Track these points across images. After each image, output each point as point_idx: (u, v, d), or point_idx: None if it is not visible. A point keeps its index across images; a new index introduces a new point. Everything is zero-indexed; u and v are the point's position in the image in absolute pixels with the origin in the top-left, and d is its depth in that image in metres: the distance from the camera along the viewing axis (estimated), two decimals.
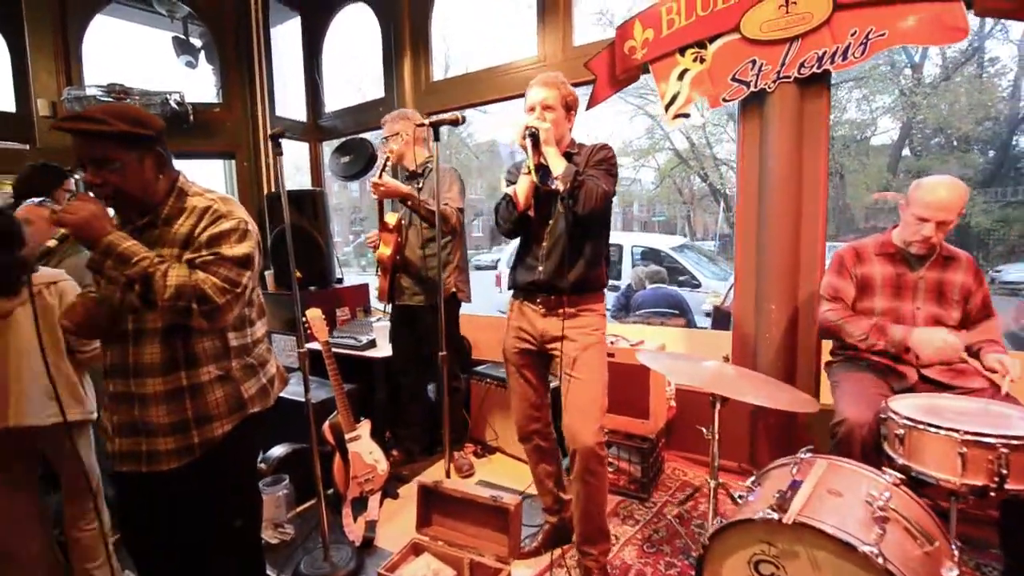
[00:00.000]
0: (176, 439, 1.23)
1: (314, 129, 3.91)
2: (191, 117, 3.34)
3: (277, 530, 2.06)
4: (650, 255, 6.64)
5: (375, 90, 3.61)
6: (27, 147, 3.31)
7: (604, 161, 1.66)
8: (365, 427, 2.30)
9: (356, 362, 2.76)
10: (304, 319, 2.33)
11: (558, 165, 1.57)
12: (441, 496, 1.66)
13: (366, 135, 3.47)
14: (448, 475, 1.78)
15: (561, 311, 1.69)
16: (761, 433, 2.35)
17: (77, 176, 2.01)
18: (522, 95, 1.72)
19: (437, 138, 1.59)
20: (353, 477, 2.19)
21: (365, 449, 2.26)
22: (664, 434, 2.42)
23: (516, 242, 1.88)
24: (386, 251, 2.40)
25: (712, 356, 1.67)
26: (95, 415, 1.67)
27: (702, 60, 2.32)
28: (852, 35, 2.03)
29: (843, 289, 1.89)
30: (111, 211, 1.22)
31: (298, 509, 2.25)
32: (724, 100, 2.30)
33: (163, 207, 1.24)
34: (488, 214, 19.78)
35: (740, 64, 2.23)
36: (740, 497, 1.49)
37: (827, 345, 2.19)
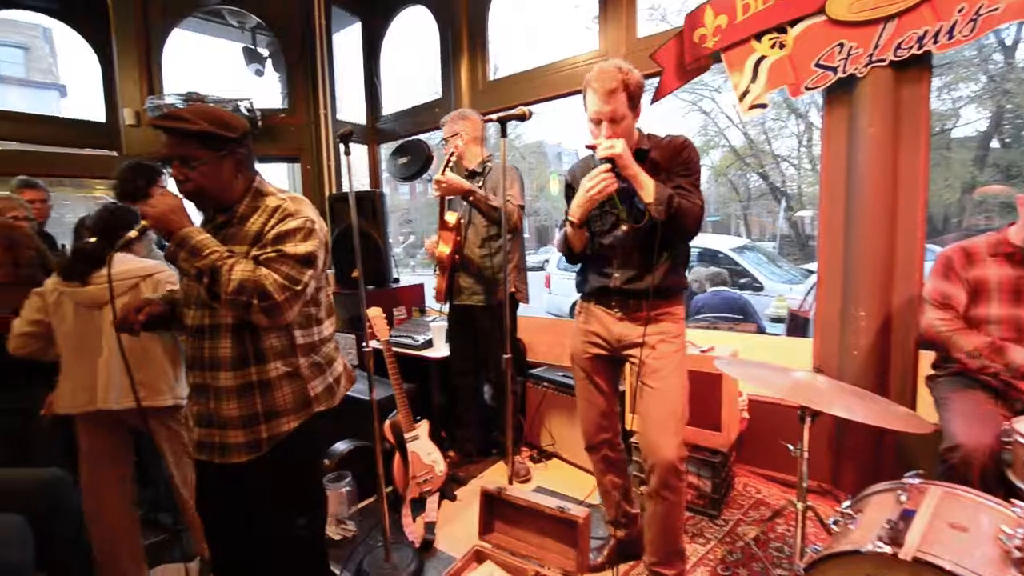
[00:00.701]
0: (246, 433, 1.26)
1: (372, 132, 3.99)
2: (259, 123, 3.48)
3: (340, 526, 2.08)
4: (707, 257, 6.36)
5: (430, 92, 3.63)
6: (115, 154, 3.56)
7: (689, 165, 1.53)
8: (424, 427, 2.29)
9: (412, 361, 2.77)
10: (367, 318, 2.38)
11: (648, 189, 1.43)
12: (504, 503, 1.61)
13: (423, 136, 3.49)
14: (511, 481, 1.73)
15: (640, 315, 1.59)
16: (847, 451, 2.16)
17: (167, 171, 2.12)
18: (577, 92, 1.62)
19: (504, 134, 1.55)
20: (412, 477, 2.19)
21: (424, 449, 2.25)
22: (736, 447, 2.27)
23: None
24: (445, 250, 2.39)
25: (790, 364, 1.52)
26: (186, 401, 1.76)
27: (782, 46, 2.16)
28: (960, 11, 1.82)
29: (953, 295, 1.69)
30: (192, 207, 1.26)
31: (360, 505, 2.27)
32: (807, 88, 2.12)
33: (239, 206, 1.27)
34: (534, 215, 19.70)
35: (825, 48, 2.06)
36: (835, 523, 1.34)
37: (925, 356, 1.98)
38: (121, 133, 3.47)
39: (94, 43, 3.62)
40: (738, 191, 17.73)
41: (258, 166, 1.35)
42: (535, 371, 2.86)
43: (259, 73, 4.03)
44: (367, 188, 3.86)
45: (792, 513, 1.55)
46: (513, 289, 2.37)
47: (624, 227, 1.56)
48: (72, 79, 14.31)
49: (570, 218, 1.53)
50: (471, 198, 2.23)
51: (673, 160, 1.53)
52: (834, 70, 2.05)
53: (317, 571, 1.55)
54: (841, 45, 2.03)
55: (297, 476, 1.39)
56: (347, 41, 4.21)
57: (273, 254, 1.19)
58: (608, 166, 1.43)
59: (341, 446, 2.30)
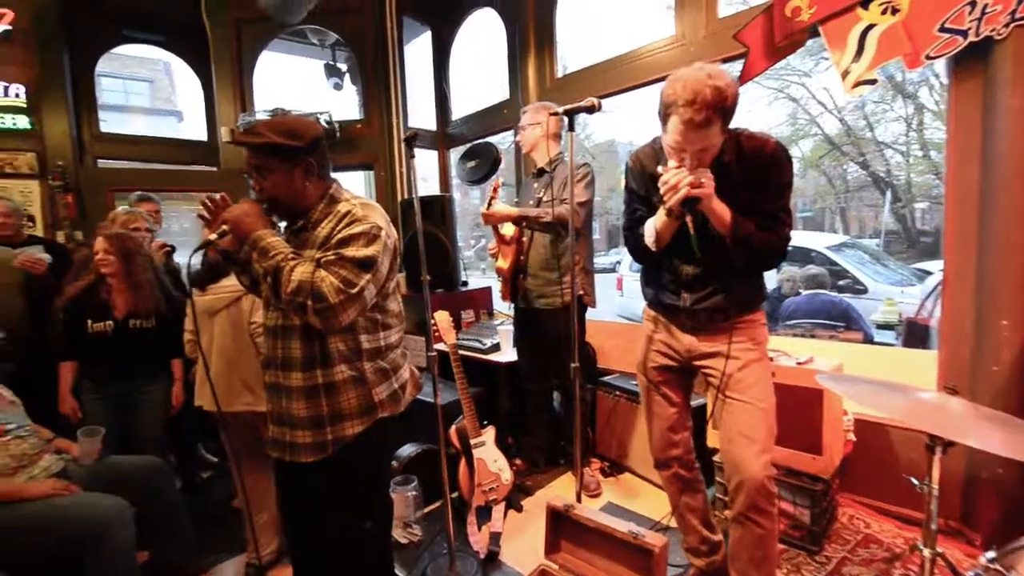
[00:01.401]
0: (312, 434, 1.28)
1: (442, 137, 4.05)
2: (337, 134, 3.65)
3: (406, 530, 2.09)
4: (799, 256, 5.79)
5: (497, 95, 3.60)
6: (215, 169, 3.91)
7: (779, 188, 1.35)
8: (490, 433, 2.24)
9: (480, 366, 2.74)
10: (432, 321, 2.38)
11: (724, 222, 1.32)
12: (572, 522, 1.51)
13: (491, 139, 3.48)
14: (579, 499, 1.63)
15: (715, 326, 1.46)
16: (983, 484, 1.81)
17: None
18: (658, 80, 1.48)
19: (572, 127, 1.45)
20: (478, 484, 2.15)
21: (490, 456, 2.20)
22: (839, 474, 1.99)
23: None
24: (503, 264, 2.35)
25: (909, 381, 1.28)
26: None
27: (894, 11, 1.87)
28: None
29: None
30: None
31: (425, 510, 2.27)
32: (928, 58, 1.82)
33: (314, 212, 1.30)
34: (606, 214, 19.21)
35: (952, 9, 1.75)
36: None
37: None
38: (219, 150, 3.80)
39: (198, 70, 4.00)
40: (833, 184, 16.12)
41: (337, 175, 1.38)
42: (606, 379, 2.72)
43: (338, 87, 4.24)
44: (437, 193, 3.92)
45: (915, 558, 1.31)
46: (581, 292, 2.26)
47: (691, 264, 1.45)
48: (187, 106, 16.08)
49: (667, 205, 1.31)
50: (524, 223, 2.21)
51: (757, 177, 1.34)
52: (964, 34, 1.74)
53: (382, 574, 1.54)
54: (973, 4, 1.71)
55: (362, 480, 1.39)
56: (417, 50, 4.32)
57: (332, 257, 1.20)
58: (684, 179, 1.27)
59: (408, 449, 2.31)
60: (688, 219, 1.32)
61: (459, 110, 4.01)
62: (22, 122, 3.29)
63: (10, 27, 3.20)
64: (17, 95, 3.27)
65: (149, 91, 16.65)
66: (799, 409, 1.80)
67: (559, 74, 3.17)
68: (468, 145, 3.62)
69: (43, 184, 3.37)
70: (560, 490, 2.46)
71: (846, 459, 2.02)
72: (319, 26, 3.89)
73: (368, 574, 1.46)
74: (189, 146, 4.19)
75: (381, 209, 1.34)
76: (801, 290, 3.66)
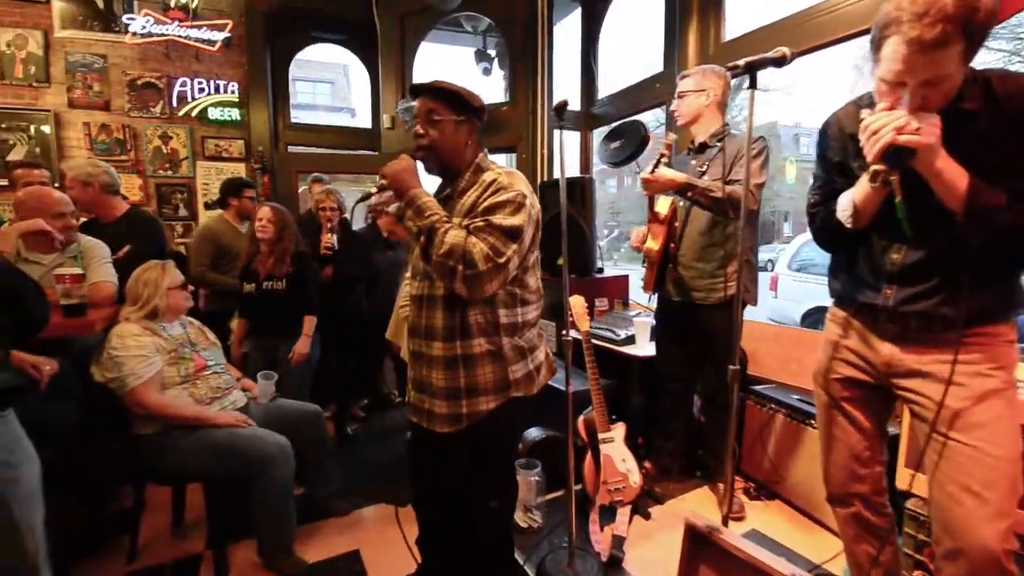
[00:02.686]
0: (449, 405, 1.30)
1: (587, 118, 3.91)
2: (486, 117, 3.74)
3: (527, 514, 2.05)
4: None
5: (643, 71, 3.33)
6: (376, 153, 4.30)
7: None
8: (619, 430, 2.09)
9: (611, 357, 2.58)
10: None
11: (956, 193, 0.97)
12: (715, 548, 1.30)
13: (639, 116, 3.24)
14: (725, 522, 1.40)
15: (935, 335, 1.10)
16: None
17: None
18: (851, 36, 1.13)
19: (754, 84, 1.20)
20: (603, 482, 2.02)
21: (618, 454, 2.06)
22: None
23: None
24: (654, 245, 2.10)
25: None
26: None
27: None
28: None
29: None
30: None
31: (547, 497, 2.21)
32: None
33: (461, 180, 1.31)
34: (763, 204, 17.27)
35: None
36: None
37: None
38: (381, 136, 4.15)
39: (368, 65, 4.41)
40: None
41: None
42: (760, 388, 2.37)
43: (487, 72, 4.34)
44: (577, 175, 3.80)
45: None
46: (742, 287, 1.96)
47: (900, 248, 1.10)
48: (358, 103, 18.38)
49: (873, 166, 0.99)
50: (689, 193, 1.89)
51: (1016, 130, 0.96)
52: None
53: (503, 555, 1.52)
54: None
55: (491, 457, 1.38)
56: (565, 29, 4.21)
57: (480, 223, 1.18)
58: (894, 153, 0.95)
59: (533, 433, 2.27)
60: (894, 181, 0.98)
61: (603, 90, 3.82)
62: (235, 114, 3.95)
63: (229, 34, 3.84)
64: (233, 91, 3.93)
65: (330, 91, 19.27)
66: None
67: (725, 38, 2.80)
68: (612, 125, 3.43)
69: (247, 166, 4.02)
70: (695, 505, 2.21)
71: None
72: (473, 12, 4.00)
73: (489, 552, 1.45)
74: (357, 133, 4.68)
75: (525, 178, 1.31)
76: None
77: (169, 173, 3.87)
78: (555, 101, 1.48)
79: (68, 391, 1.77)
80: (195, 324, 2.12)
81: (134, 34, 3.62)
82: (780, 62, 1.18)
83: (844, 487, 1.33)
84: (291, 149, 4.33)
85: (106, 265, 2.08)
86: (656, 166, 1.88)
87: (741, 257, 1.40)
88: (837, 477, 1.34)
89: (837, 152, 1.21)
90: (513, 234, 1.19)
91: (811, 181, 1.34)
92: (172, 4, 3.71)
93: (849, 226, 1.15)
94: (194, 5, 3.77)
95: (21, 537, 1.14)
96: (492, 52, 4.57)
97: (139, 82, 3.74)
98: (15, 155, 3.47)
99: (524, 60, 3.85)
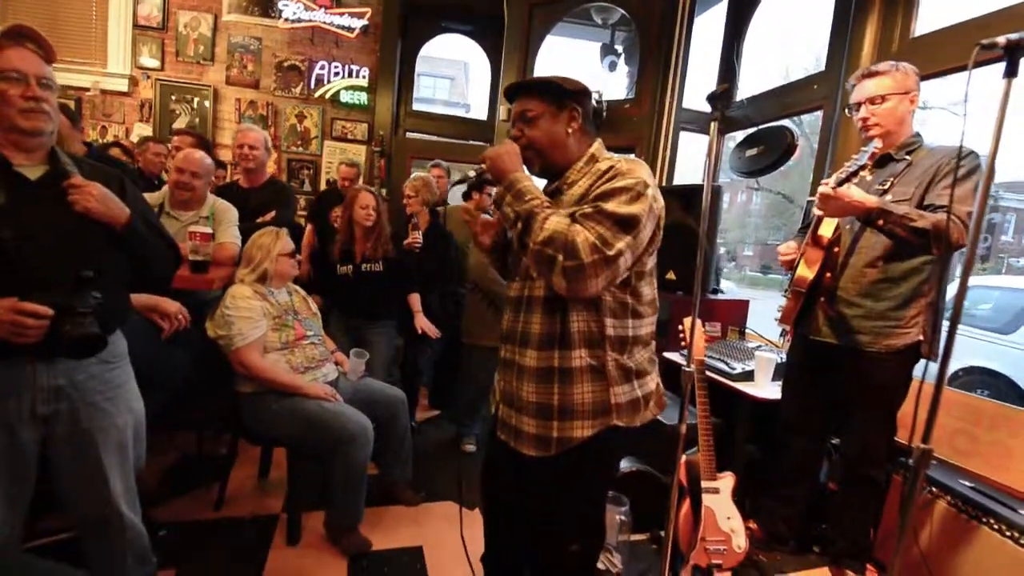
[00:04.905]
0: (537, 424, 1.14)
1: (720, 120, 3.52)
2: (604, 113, 3.51)
3: (607, 555, 1.82)
4: None
5: (782, 74, 2.88)
6: (489, 145, 4.27)
7: None
8: (727, 481, 1.79)
9: (719, 392, 2.25)
10: (681, 328, 2.01)
11: None
12: None
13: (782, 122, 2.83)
14: None
15: None
16: None
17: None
18: None
19: (1014, 71, 0.86)
20: (701, 538, 1.73)
21: (723, 510, 1.76)
22: None
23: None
24: (807, 273, 1.73)
25: None
26: None
27: None
28: None
29: None
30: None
31: (631, 538, 1.96)
32: None
33: (571, 172, 1.16)
34: None
35: None
36: None
37: None
38: (496, 128, 4.10)
39: (491, 56, 4.39)
40: None
41: None
42: (911, 460, 1.91)
43: (612, 67, 4.12)
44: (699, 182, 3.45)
45: None
46: (920, 336, 1.56)
47: None
48: (474, 98, 19.05)
49: None
50: (880, 221, 1.48)
51: None
52: None
53: None
54: None
55: (580, 495, 1.19)
56: (704, 25, 3.85)
57: (589, 209, 1.02)
58: None
59: (623, 463, 2.03)
60: None
61: (742, 91, 3.41)
62: (363, 98, 4.12)
63: (367, 22, 4.01)
64: (363, 76, 4.10)
65: (449, 87, 20.14)
66: None
67: (915, 33, 2.32)
68: (751, 130, 3.05)
69: (368, 149, 4.18)
70: None
71: None
72: (607, 2, 3.80)
73: None
74: (472, 124, 4.70)
75: (647, 167, 1.10)
76: None
77: (300, 150, 4.14)
78: (683, 102, 1.23)
79: (186, 341, 1.88)
80: (300, 293, 2.17)
81: (286, 19, 3.90)
82: None
83: None
84: (408, 135, 4.45)
85: (233, 228, 2.20)
86: (847, 180, 1.50)
87: (943, 308, 1.07)
88: None
89: None
90: (627, 224, 1.00)
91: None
92: None
93: None
94: None
95: (106, 482, 1.16)
96: (619, 47, 4.33)
97: (285, 64, 4.04)
98: (179, 123, 3.91)
99: (656, 56, 3.57)
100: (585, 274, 0.98)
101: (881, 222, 1.48)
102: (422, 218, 2.74)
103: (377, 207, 2.45)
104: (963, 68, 1.78)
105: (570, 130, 1.15)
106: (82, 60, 3.82)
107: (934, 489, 1.79)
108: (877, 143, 1.58)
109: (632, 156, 1.17)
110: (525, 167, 1.16)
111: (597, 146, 1.18)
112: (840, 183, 1.50)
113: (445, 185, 3.55)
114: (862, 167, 1.48)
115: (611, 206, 1.00)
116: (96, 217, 1.12)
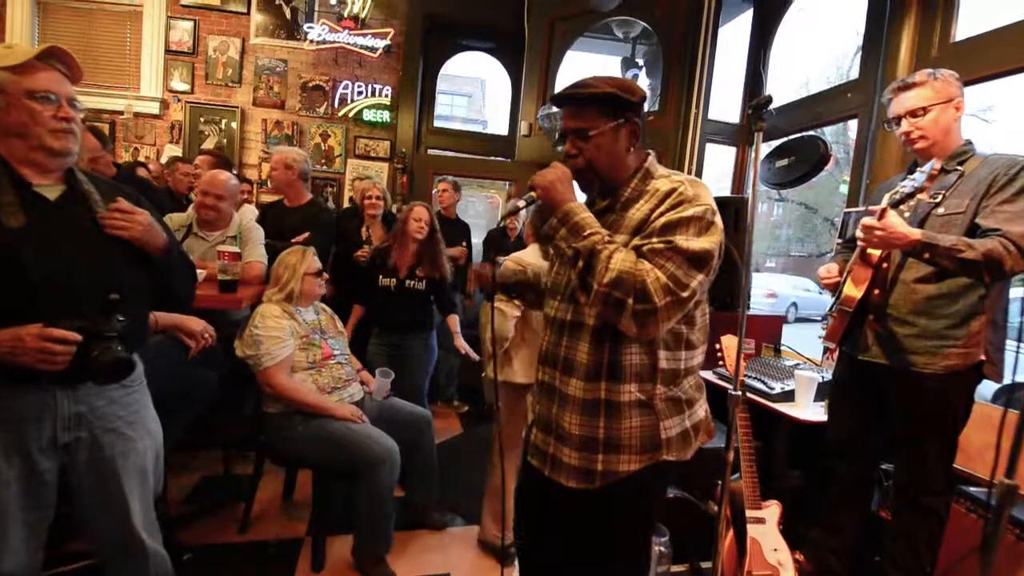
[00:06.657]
0: (580, 457, 1.06)
1: (747, 131, 3.46)
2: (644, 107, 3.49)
3: None
4: None
5: (816, 83, 2.81)
6: (509, 160, 4.25)
7: None
8: (773, 511, 1.69)
9: (757, 413, 2.14)
10: (718, 347, 1.93)
11: None
12: None
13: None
14: None
15: None
16: None
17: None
18: None
19: None
20: (747, 572, 1.63)
21: (769, 542, 1.65)
22: None
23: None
24: (854, 292, 1.63)
25: None
26: None
27: None
28: None
29: None
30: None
31: (671, 569, 1.86)
32: None
33: (625, 189, 1.07)
34: None
35: None
36: None
37: None
38: (516, 143, 4.09)
39: (511, 72, 4.41)
40: None
41: None
42: (975, 491, 1.78)
43: (634, 80, 4.08)
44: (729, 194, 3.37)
45: None
46: (983, 356, 1.45)
47: None
48: (491, 115, 19.28)
49: None
50: (926, 255, 1.37)
51: None
52: None
53: None
54: None
55: (623, 530, 1.12)
56: (728, 35, 3.80)
57: (660, 245, 0.93)
58: None
59: None
60: None
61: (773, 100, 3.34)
62: (386, 116, 4.16)
63: (390, 42, 4.06)
64: (386, 95, 4.15)
65: (467, 104, 20.41)
66: None
67: (956, 37, 2.23)
68: (781, 140, 2.97)
69: (390, 166, 4.21)
70: None
71: None
72: (629, 16, 3.78)
73: None
74: (492, 140, 4.71)
75: (708, 188, 1.02)
76: None
77: (324, 168, 4.18)
78: (709, 112, 1.16)
79: (215, 362, 1.87)
80: (327, 312, 2.15)
81: (311, 41, 3.98)
82: None
83: None
84: (430, 152, 4.47)
85: (260, 247, 2.20)
86: (902, 202, 1.40)
87: (1014, 329, 0.98)
88: None
89: None
90: (701, 261, 0.93)
91: None
92: (345, 14, 4.03)
93: None
94: (363, 15, 4.06)
95: (127, 508, 1.13)
96: (640, 60, 4.30)
97: (310, 84, 4.11)
98: (207, 144, 3.99)
99: (680, 68, 3.53)
100: (658, 317, 0.91)
101: (927, 255, 1.38)
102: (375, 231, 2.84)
103: (431, 223, 2.44)
104: (1015, 71, 1.67)
105: (632, 146, 1.06)
106: (116, 84, 3.95)
107: (993, 516, 1.65)
108: (935, 163, 1.48)
109: (692, 176, 1.08)
110: (580, 190, 1.08)
111: (651, 160, 1.10)
112: (895, 204, 1.41)
113: (448, 199, 3.59)
114: (920, 189, 1.38)
115: (683, 241, 0.93)
116: (139, 244, 1.10)
